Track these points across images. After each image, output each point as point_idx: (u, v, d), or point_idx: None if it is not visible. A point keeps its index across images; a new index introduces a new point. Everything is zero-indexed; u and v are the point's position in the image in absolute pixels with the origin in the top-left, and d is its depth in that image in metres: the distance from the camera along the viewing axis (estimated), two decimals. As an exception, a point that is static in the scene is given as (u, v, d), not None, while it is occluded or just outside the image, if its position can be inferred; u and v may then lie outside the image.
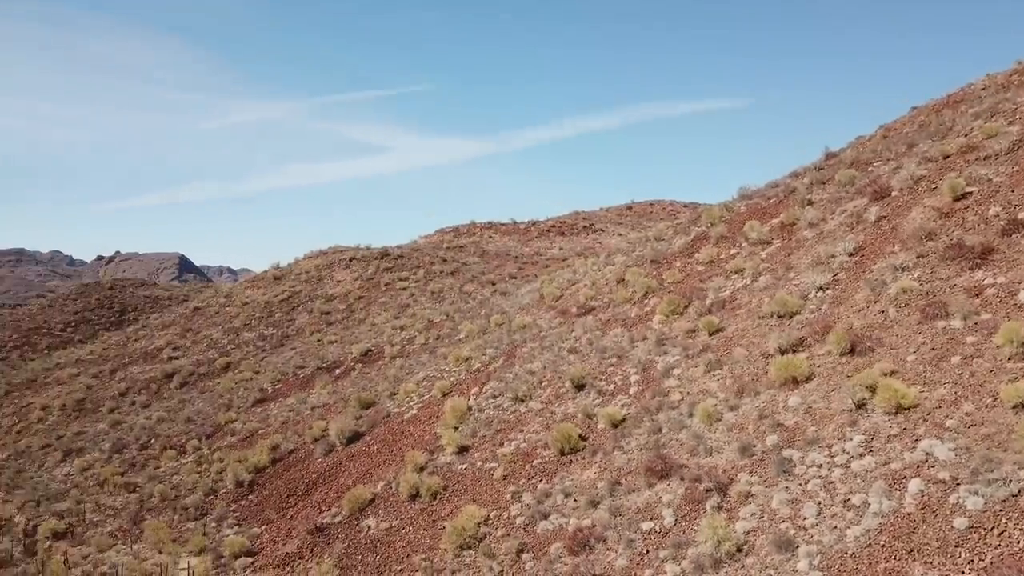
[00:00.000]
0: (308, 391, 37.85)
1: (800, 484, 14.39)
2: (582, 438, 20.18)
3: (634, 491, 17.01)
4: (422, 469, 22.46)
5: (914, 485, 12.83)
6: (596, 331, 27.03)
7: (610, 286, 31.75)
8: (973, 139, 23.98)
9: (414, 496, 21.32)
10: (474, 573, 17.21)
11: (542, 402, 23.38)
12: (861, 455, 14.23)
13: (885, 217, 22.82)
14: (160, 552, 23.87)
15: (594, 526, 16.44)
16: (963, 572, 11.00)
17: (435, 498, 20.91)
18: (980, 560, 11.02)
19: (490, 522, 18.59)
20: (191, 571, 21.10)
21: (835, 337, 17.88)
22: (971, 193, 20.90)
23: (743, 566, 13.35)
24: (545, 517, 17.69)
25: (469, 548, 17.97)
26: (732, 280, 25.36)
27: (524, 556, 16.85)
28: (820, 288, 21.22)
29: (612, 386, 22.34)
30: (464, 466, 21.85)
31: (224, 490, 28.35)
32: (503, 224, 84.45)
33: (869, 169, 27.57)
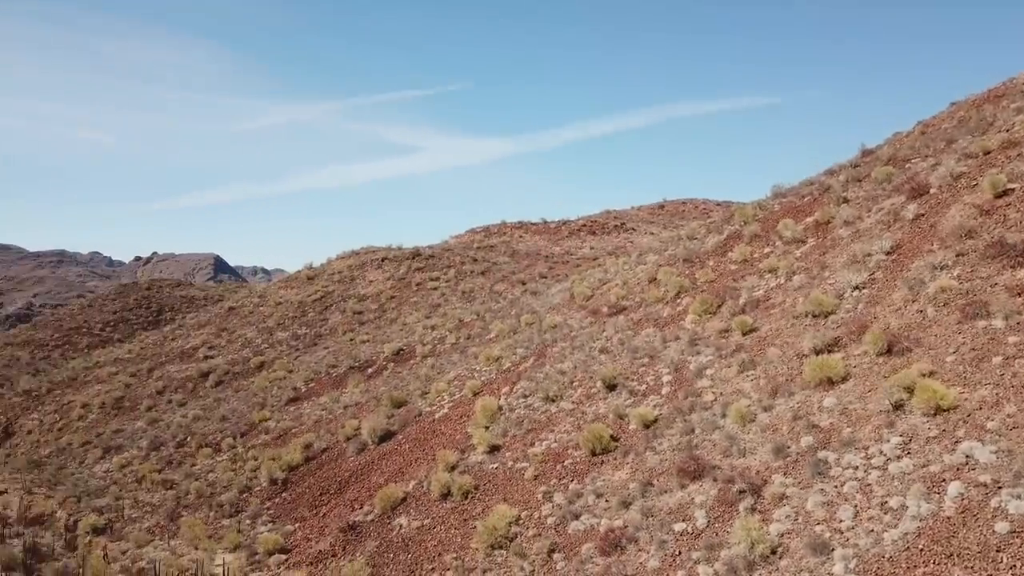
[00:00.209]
0: (341, 390, 38.17)
1: (835, 486, 14.17)
2: (613, 439, 20.09)
3: (666, 492, 16.89)
4: (453, 468, 22.52)
5: (954, 488, 12.56)
6: (628, 331, 26.89)
7: (642, 285, 31.57)
8: (1015, 134, 23.43)
9: (445, 495, 21.38)
10: (505, 573, 17.21)
11: (573, 402, 23.32)
12: (899, 457, 13.98)
13: (923, 215, 22.39)
14: (196, 548, 24.24)
15: (626, 527, 16.36)
16: (1005, 578, 10.76)
17: (466, 497, 20.96)
18: (1023, 565, 10.76)
19: (521, 522, 18.58)
20: (226, 567, 21.37)
21: (872, 337, 17.58)
22: (1013, 190, 20.41)
23: (777, 569, 13.18)
24: (576, 517, 17.64)
25: (500, 548, 17.98)
26: (766, 279, 25.07)
27: (555, 556, 16.81)
28: (856, 287, 20.89)
29: (644, 386, 22.21)
30: (495, 466, 21.87)
31: (258, 488, 28.70)
32: (533, 224, 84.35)
33: (907, 166, 27.08)
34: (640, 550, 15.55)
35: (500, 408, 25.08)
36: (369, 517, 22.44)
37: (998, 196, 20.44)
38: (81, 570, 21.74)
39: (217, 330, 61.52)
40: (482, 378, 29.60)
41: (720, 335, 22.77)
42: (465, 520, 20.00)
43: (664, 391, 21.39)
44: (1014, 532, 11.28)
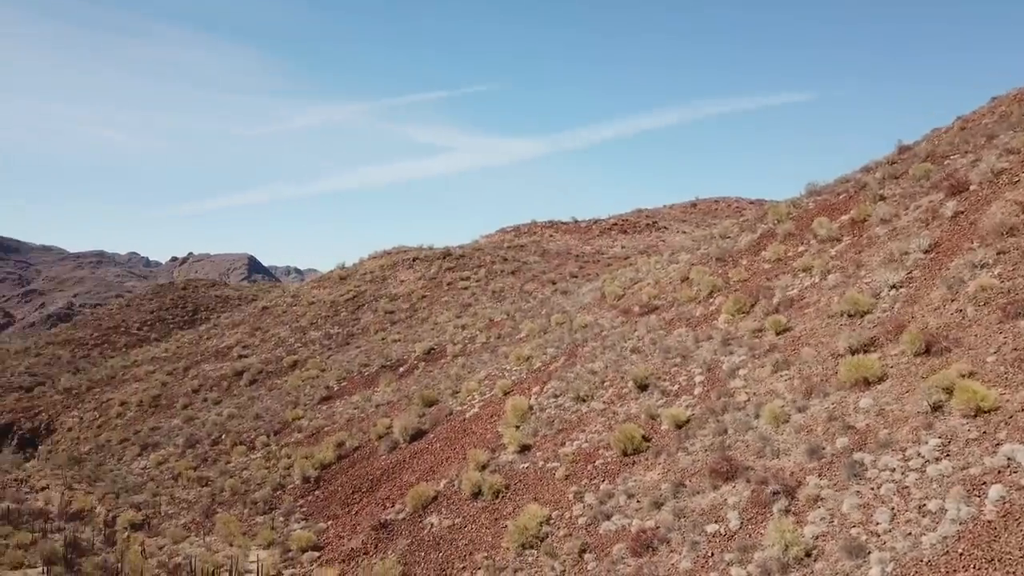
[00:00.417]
0: (373, 389, 38.44)
1: (872, 488, 13.92)
2: (645, 439, 19.96)
3: (698, 493, 16.74)
4: (484, 467, 22.55)
5: (995, 491, 12.26)
6: (659, 330, 26.71)
7: (674, 285, 31.34)
8: (1058, 129, 22.87)
9: (476, 494, 21.42)
10: (536, 572, 17.18)
11: (604, 402, 23.22)
12: (937, 459, 13.70)
13: (963, 212, 21.93)
14: (231, 545, 24.57)
15: (657, 528, 16.24)
16: (1049, 583, 10.48)
17: (497, 497, 20.97)
18: (1067, 571, 10.48)
19: (552, 522, 18.54)
20: (260, 564, 21.64)
21: (909, 337, 17.25)
22: (1056, 186, 19.92)
23: (812, 572, 12.98)
24: (608, 518, 17.56)
25: (531, 547, 17.96)
26: (800, 278, 24.74)
27: (586, 556, 16.75)
28: (893, 286, 20.52)
29: (676, 386, 22.04)
30: (526, 465, 21.86)
31: (291, 485, 29.00)
32: (564, 223, 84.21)
33: (946, 163, 26.54)
34: (672, 551, 15.43)
35: (530, 408, 25.07)
36: (400, 515, 22.56)
37: (1041, 192, 19.95)
38: (120, 565, 22.15)
39: (251, 329, 62.33)
40: (512, 377, 29.61)
41: (753, 335, 22.52)
42: (496, 519, 20.01)
43: (696, 391, 21.22)
44: (1058, 537, 10.99)
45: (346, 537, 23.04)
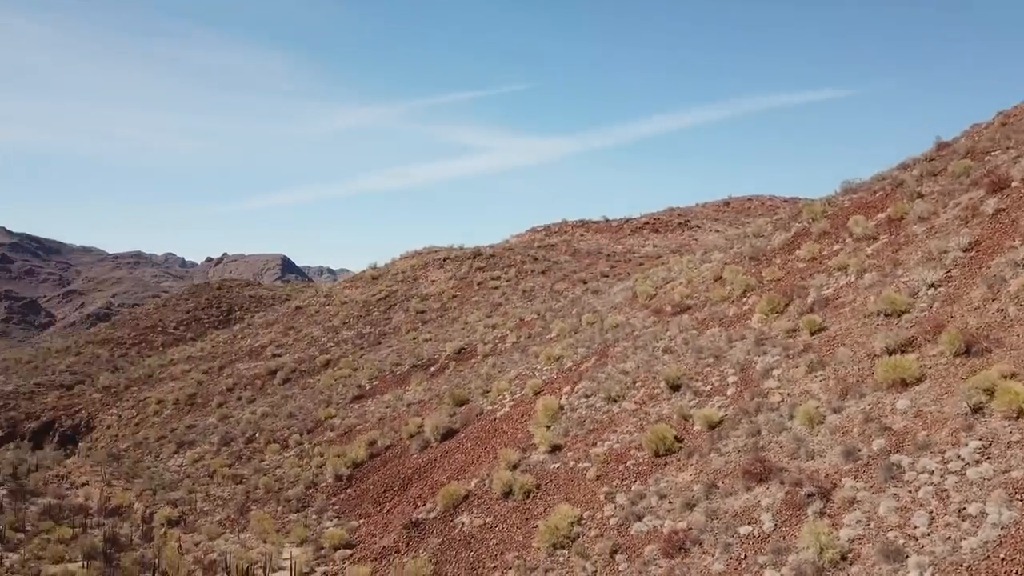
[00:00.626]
0: (404, 388, 38.65)
1: (910, 491, 13.67)
2: (677, 439, 19.81)
3: (731, 494, 16.57)
4: (515, 467, 22.55)
5: (1038, 495, 11.98)
6: (692, 330, 26.50)
7: (707, 284, 31.07)
8: (1104, 124, 22.27)
9: (507, 494, 21.42)
10: (567, 573, 17.14)
11: (635, 402, 23.09)
12: (977, 462, 13.41)
13: (1004, 210, 21.44)
14: (265, 542, 24.86)
15: (690, 529, 16.11)
16: (1095, 590, 10.20)
17: (528, 496, 20.96)
18: (1115, 578, 10.19)
19: (583, 522, 18.48)
20: (293, 561, 21.86)
21: (948, 337, 16.90)
22: (1102, 182, 19.40)
23: (847, 575, 12.79)
24: (639, 518, 17.45)
25: (562, 547, 17.92)
26: (835, 277, 24.38)
27: (618, 557, 16.67)
28: (931, 285, 20.13)
29: (709, 387, 21.85)
30: (557, 465, 21.81)
31: (324, 483, 29.26)
32: (595, 222, 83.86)
33: (986, 159, 25.98)
34: (704, 553, 15.30)
35: (561, 407, 25.01)
36: (432, 514, 22.64)
37: (1086, 189, 19.45)
38: (157, 561, 22.52)
39: (284, 329, 63.04)
40: (543, 377, 29.57)
41: (787, 335, 22.24)
42: (527, 519, 20.00)
43: (729, 392, 21.01)
44: (1105, 543, 10.70)
45: (378, 535, 23.18)
